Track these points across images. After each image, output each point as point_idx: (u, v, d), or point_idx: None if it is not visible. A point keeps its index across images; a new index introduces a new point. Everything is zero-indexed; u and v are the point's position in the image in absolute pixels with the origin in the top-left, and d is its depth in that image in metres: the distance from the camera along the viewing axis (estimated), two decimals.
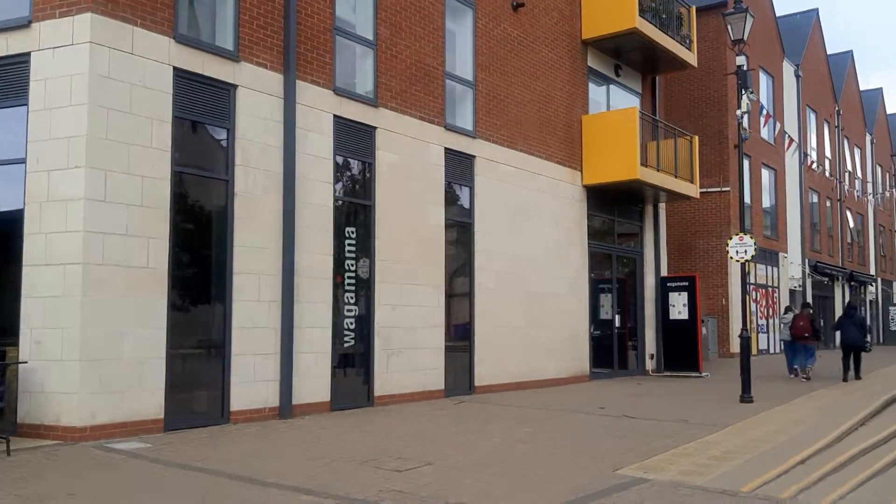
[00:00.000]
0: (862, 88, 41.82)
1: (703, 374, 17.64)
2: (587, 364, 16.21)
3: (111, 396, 8.05)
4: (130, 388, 8.21)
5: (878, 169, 43.35)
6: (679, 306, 18.26)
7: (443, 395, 12.35)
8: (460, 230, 13.26)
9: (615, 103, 17.64)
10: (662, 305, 18.52)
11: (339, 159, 11.01)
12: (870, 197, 38.78)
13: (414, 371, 11.84)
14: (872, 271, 40.96)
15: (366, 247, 11.31)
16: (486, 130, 13.68)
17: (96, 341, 7.93)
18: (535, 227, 14.76)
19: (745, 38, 12.86)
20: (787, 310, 20.54)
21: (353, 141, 11.19)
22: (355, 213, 11.35)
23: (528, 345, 14.41)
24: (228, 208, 9.39)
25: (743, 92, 12.80)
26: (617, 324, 17.63)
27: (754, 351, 25.35)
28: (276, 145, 9.94)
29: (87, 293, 7.89)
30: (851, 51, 38.72)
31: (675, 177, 17.45)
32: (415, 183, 12.07)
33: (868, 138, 41.60)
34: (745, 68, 12.87)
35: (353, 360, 11.25)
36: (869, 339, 17.86)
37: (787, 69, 29.63)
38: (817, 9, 33.37)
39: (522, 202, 14.48)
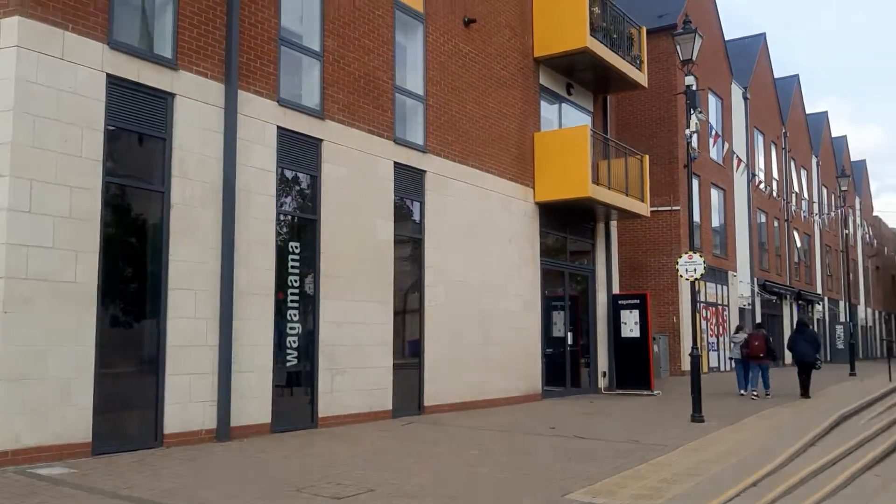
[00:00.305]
0: (808, 112, 42.86)
1: (655, 392, 17.60)
2: (539, 382, 16.03)
3: (36, 418, 7.59)
4: (56, 410, 7.75)
5: (824, 190, 44.37)
6: (631, 324, 18.23)
7: (390, 415, 12.02)
8: (410, 246, 13.01)
9: (567, 121, 17.64)
10: (614, 323, 18.48)
11: (284, 172, 10.70)
12: (816, 217, 39.59)
13: (360, 391, 11.50)
14: (819, 290, 41.76)
15: (310, 262, 10.98)
16: (438, 145, 13.49)
17: (19, 360, 7.48)
18: (487, 244, 14.59)
19: (694, 58, 12.92)
20: (738, 329, 20.43)
21: (299, 153, 10.89)
22: (300, 228, 11.03)
23: (480, 363, 14.18)
24: (164, 221, 9.01)
25: (692, 112, 12.83)
26: (569, 341, 17.52)
27: (705, 369, 25.50)
28: (215, 157, 9.59)
29: (10, 309, 7.44)
30: (798, 75, 39.67)
31: (627, 195, 17.47)
32: (363, 197, 11.80)
33: (814, 160, 42.57)
34: (693, 88, 12.91)
35: (297, 380, 10.88)
36: (820, 356, 18.07)
37: (736, 91, 30.14)
38: (764, 33, 34.15)
39: (475, 218, 14.30)
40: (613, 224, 19.36)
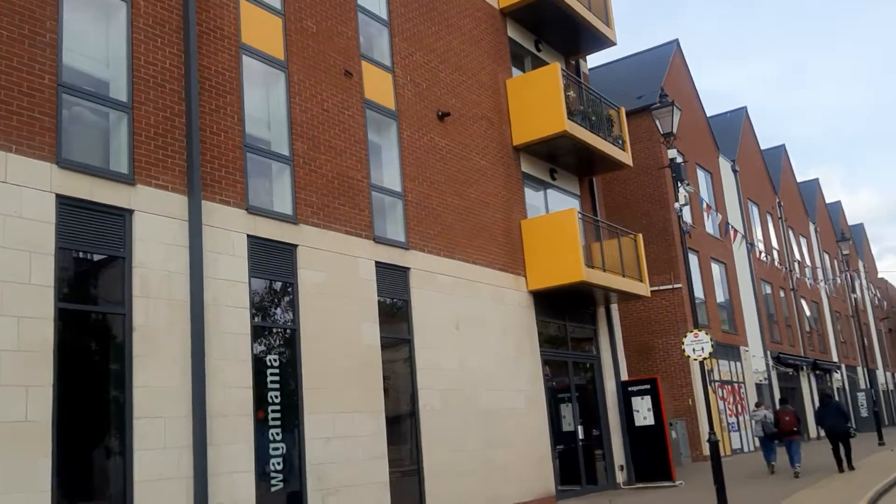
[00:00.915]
0: (799, 180, 42.84)
1: (678, 482, 16.52)
2: (552, 483, 15.00)
3: None
4: None
5: (826, 256, 43.85)
6: (643, 411, 17.32)
7: None
8: (399, 348, 12.35)
9: (554, 206, 17.25)
10: (626, 411, 17.57)
11: (257, 282, 10.17)
12: (822, 283, 38.90)
13: None
14: (835, 358, 40.61)
15: (292, 375, 10.31)
16: (420, 241, 13.03)
17: None
18: (482, 339, 13.92)
19: (675, 131, 12.62)
20: (758, 405, 20.31)
21: (272, 261, 10.39)
22: (278, 339, 10.41)
23: (485, 468, 13.25)
24: (126, 345, 8.39)
25: (679, 184, 12.43)
26: (580, 435, 16.55)
27: (727, 451, 24.28)
28: (181, 272, 9.07)
29: None
30: (784, 144, 39.79)
31: (623, 276, 16.90)
32: (345, 301, 11.23)
33: (812, 227, 42.24)
34: (677, 161, 12.56)
35: None
36: (851, 423, 17.63)
37: (724, 165, 30.05)
38: (745, 106, 34.43)
39: (466, 313, 13.68)
40: (614, 307, 18.71)
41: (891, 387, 53.78)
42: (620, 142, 18.18)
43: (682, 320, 22.98)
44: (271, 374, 10.09)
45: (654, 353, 23.22)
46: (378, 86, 12.89)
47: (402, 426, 12.18)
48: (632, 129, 22.07)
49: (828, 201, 48.62)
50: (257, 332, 10.02)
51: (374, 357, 11.50)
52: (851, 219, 54.20)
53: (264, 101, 11.18)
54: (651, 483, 16.78)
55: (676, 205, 12.46)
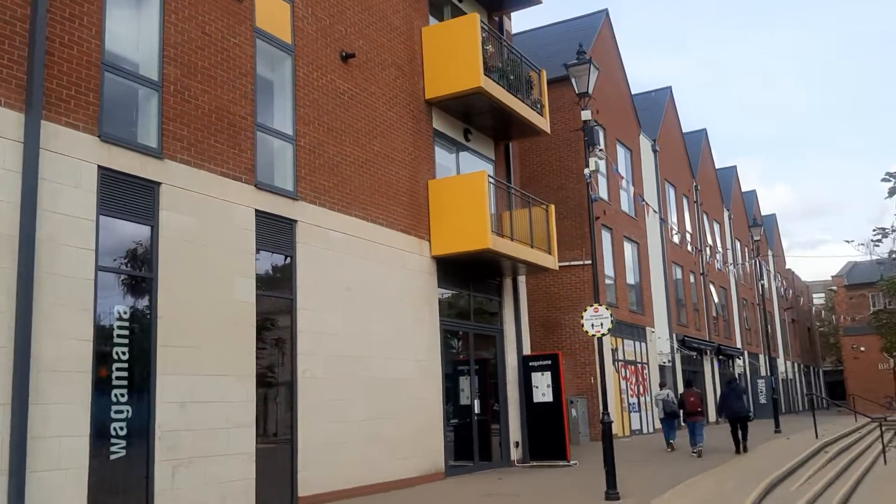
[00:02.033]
0: (717, 167, 43.19)
1: (572, 462, 15.99)
2: (442, 459, 14.20)
3: None
4: None
5: (738, 243, 44.49)
6: (543, 387, 16.69)
7: None
8: (279, 308, 11.22)
9: (466, 170, 16.29)
10: (526, 387, 16.91)
11: (108, 222, 8.85)
12: (731, 269, 39.36)
13: (212, 485, 9.49)
14: (739, 344, 41.35)
15: (145, 330, 9.08)
16: (312, 192, 11.87)
17: None
18: (376, 304, 12.91)
19: (590, 91, 11.79)
20: (662, 386, 20.95)
21: (129, 199, 9.08)
22: (131, 288, 9.14)
23: (369, 442, 12.31)
24: None
25: (590, 148, 11.62)
26: (477, 410, 15.81)
27: (627, 432, 24.10)
28: (10, 201, 7.72)
29: None
30: (705, 129, 39.96)
31: (532, 247, 16.13)
32: (215, 251, 10.01)
33: (726, 214, 42.71)
34: (591, 124, 11.74)
35: (124, 476, 8.80)
36: (751, 409, 19.23)
37: (644, 143, 29.72)
38: (671, 87, 34.21)
39: (360, 275, 12.64)
40: (522, 279, 17.97)
41: (790, 375, 55.51)
42: (539, 106, 17.32)
43: (590, 297, 22.37)
44: (120, 328, 8.84)
45: (560, 330, 22.71)
46: (273, 15, 11.59)
47: (277, 393, 11.10)
48: (554, 99, 21.31)
49: (743, 190, 49.36)
50: (105, 279, 8.73)
51: (247, 315, 10.35)
52: (765, 210, 55.34)
53: (133, 17, 9.77)
54: (546, 461, 16.21)
55: (586, 171, 11.66)
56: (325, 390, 11.54)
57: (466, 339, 16.04)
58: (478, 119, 16.41)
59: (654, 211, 26.70)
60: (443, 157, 15.93)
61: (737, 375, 37.78)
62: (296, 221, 11.46)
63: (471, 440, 15.56)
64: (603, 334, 11.36)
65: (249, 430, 10.12)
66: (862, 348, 44.69)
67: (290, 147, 11.67)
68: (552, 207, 17.23)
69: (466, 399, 15.87)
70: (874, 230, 16.40)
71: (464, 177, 15.17)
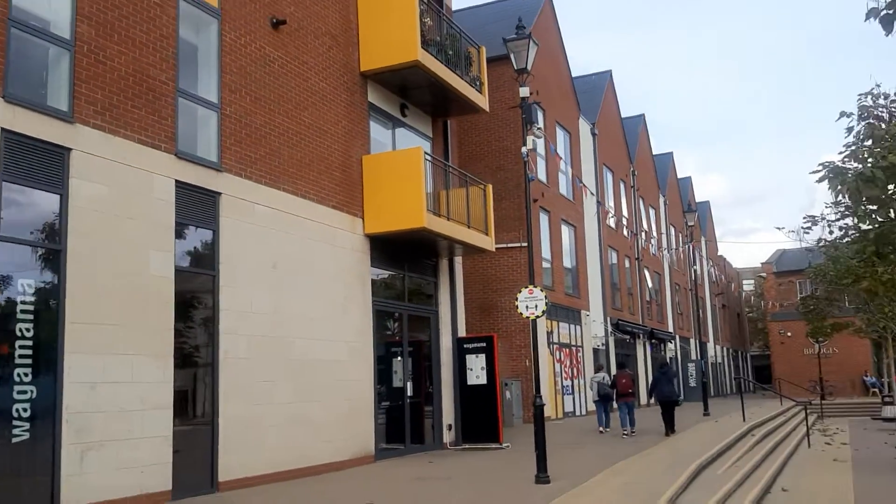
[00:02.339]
0: (654, 153, 43.68)
1: (504, 445, 15.86)
2: (373, 442, 13.88)
3: None
4: None
5: (672, 229, 45.18)
6: (477, 370, 16.50)
7: (170, 496, 9.52)
8: (200, 284, 10.68)
9: (402, 146, 15.90)
10: (460, 369, 16.70)
11: (11, 188, 8.21)
12: (664, 253, 39.91)
13: (124, 469, 8.97)
14: (671, 329, 42.08)
15: (52, 305, 8.48)
16: (237, 164, 11.33)
17: None
18: (305, 282, 12.46)
19: (529, 67, 11.51)
20: (599, 368, 21.29)
21: (35, 164, 8.44)
22: (36, 260, 8.52)
23: (295, 425, 11.90)
24: None
25: (528, 126, 11.37)
26: (410, 392, 15.53)
27: (560, 414, 24.18)
28: None
29: None
30: (643, 114, 40.31)
31: (469, 227, 15.86)
32: (131, 222, 9.42)
33: (661, 199, 43.28)
34: (529, 101, 11.48)
35: (28, 461, 8.24)
36: (680, 394, 20.21)
37: (584, 126, 29.74)
38: (610, 70, 34.30)
39: (288, 251, 12.16)
40: (458, 260, 17.71)
41: (719, 360, 56.92)
42: (478, 84, 17.01)
43: (527, 280, 22.37)
44: (24, 302, 8.23)
45: (496, 312, 22.58)
46: None
47: (198, 374, 10.59)
48: (494, 78, 21.05)
49: (679, 177, 50.12)
50: (7, 250, 8.11)
51: (165, 292, 9.80)
52: (699, 197, 56.35)
53: None
54: (479, 444, 16.06)
55: (524, 149, 11.40)
56: (248, 371, 11.07)
57: (400, 320, 15.72)
58: (415, 94, 16.01)
59: (592, 193, 26.76)
60: (378, 132, 15.50)
61: (668, 360, 38.46)
62: (220, 194, 10.92)
63: (403, 423, 15.29)
64: (537, 316, 11.17)
65: (166, 412, 9.61)
66: (789, 333, 46.04)
67: (215, 116, 11.10)
68: (490, 187, 16.99)
69: (399, 381, 15.58)
70: (804, 218, 16.68)
71: (399, 153, 14.78)
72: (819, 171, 13.60)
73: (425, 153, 14.62)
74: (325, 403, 12.64)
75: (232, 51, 11.44)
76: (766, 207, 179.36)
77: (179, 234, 10.22)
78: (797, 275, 46.29)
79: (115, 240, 9.19)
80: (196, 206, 10.53)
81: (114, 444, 8.87)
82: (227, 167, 11.11)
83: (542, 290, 11.15)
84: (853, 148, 13.85)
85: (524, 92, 11.38)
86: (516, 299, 11.24)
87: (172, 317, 9.86)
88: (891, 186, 11.13)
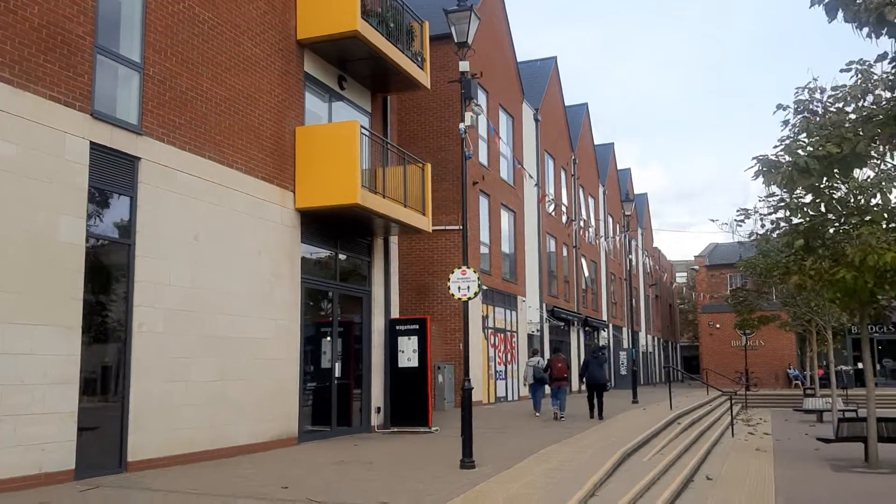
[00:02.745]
0: (595, 143, 43.91)
1: (433, 428, 15.63)
2: (296, 424, 13.46)
3: None
4: None
5: (610, 219, 45.61)
6: (409, 352, 16.20)
7: (72, 476, 8.98)
8: (114, 253, 10.09)
9: (340, 120, 15.39)
10: (391, 352, 16.38)
11: None
12: (601, 241, 40.24)
13: (20, 447, 8.40)
14: (605, 317, 42.55)
15: None
16: (160, 128, 10.72)
17: None
18: (229, 256, 11.94)
19: (470, 41, 11.18)
20: (534, 353, 21.67)
21: None
22: None
23: (214, 404, 11.42)
24: None
25: (467, 102, 11.05)
26: (338, 373, 15.14)
27: (492, 399, 24.11)
28: None
29: None
30: (587, 103, 40.42)
31: (405, 206, 15.50)
32: (38, 184, 8.79)
33: (601, 189, 43.59)
34: (469, 76, 11.15)
35: None
36: (609, 378, 21.69)
37: (527, 112, 29.60)
38: (555, 57, 34.18)
39: (212, 223, 11.61)
40: (394, 240, 17.35)
41: (650, 349, 57.98)
42: (420, 59, 16.60)
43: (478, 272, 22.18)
44: None
45: (432, 295, 22.31)
46: None
47: (109, 348, 10.02)
48: (437, 57, 20.70)
49: (619, 168, 50.59)
50: None
51: (73, 260, 9.19)
52: (638, 190, 57.02)
53: None
54: (407, 427, 15.78)
55: (461, 125, 11.09)
56: (164, 347, 10.54)
57: (331, 299, 15.28)
58: (354, 67, 15.53)
59: (531, 177, 26.63)
60: (315, 104, 14.99)
61: (601, 346, 38.92)
62: (139, 159, 10.31)
63: (330, 405, 14.90)
64: (469, 298, 10.92)
65: (71, 387, 9.04)
66: (717, 325, 47.05)
67: (137, 76, 10.47)
68: (428, 166, 16.64)
69: (328, 362, 15.17)
70: (737, 211, 16.78)
71: (335, 125, 14.30)
72: (753, 166, 13.65)
73: (362, 127, 14.18)
74: (248, 382, 12.17)
75: (158, 8, 10.80)
76: (702, 203, 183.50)
77: (93, 200, 9.61)
78: (728, 268, 47.26)
79: (20, 202, 8.56)
80: (113, 171, 9.92)
81: (11, 419, 8.30)
82: (149, 131, 10.51)
83: (475, 272, 10.89)
84: (788, 141, 13.91)
85: (464, 66, 11.05)
86: (449, 280, 10.94)
87: (82, 286, 9.27)
88: (825, 178, 11.18)
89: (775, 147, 13.73)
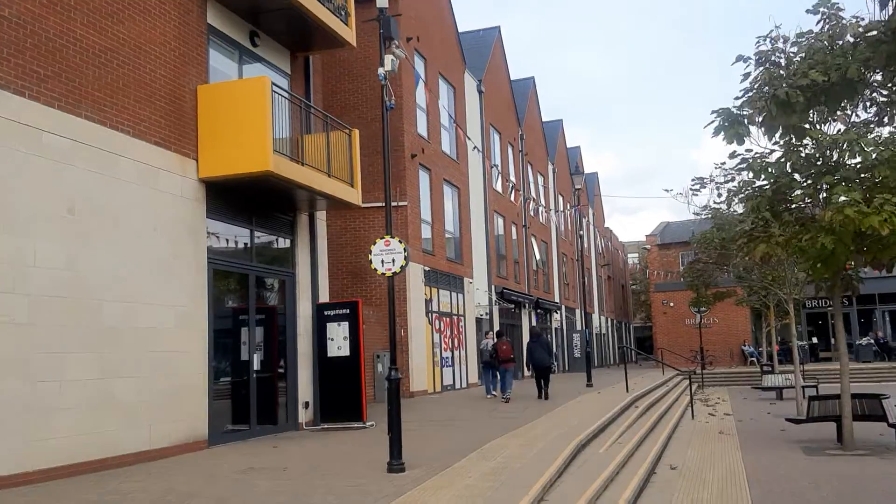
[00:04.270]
0: (543, 120, 42.61)
1: (368, 423, 14.07)
2: (205, 425, 11.73)
3: None
4: None
5: (560, 198, 44.40)
6: (339, 340, 14.58)
7: None
8: None
9: None
10: (320, 340, 14.74)
11: None
12: (552, 214, 38.91)
13: None
14: (557, 299, 41.38)
15: None
16: (19, 79, 8.88)
17: None
18: (115, 233, 10.16)
19: None
20: (487, 334, 21.82)
21: None
22: None
23: (99, 406, 9.66)
24: None
25: (387, 45, 9.44)
26: (256, 366, 13.44)
27: (437, 387, 22.64)
28: None
29: None
30: (533, 77, 39.02)
31: (329, 176, 13.84)
32: None
33: (550, 167, 42.31)
34: (388, 13, 9.53)
35: None
36: (554, 361, 21.61)
37: (469, 83, 28.03)
38: (499, 26, 32.64)
39: (92, 194, 9.82)
40: (321, 216, 15.67)
41: (604, 330, 57.18)
42: (344, 13, 14.90)
43: (403, 242, 20.53)
44: None
45: (369, 278, 20.66)
46: None
47: None
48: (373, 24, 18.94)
49: (569, 146, 49.39)
50: None
51: None
52: (588, 169, 56.01)
53: None
54: (339, 423, 14.20)
55: (381, 70, 9.48)
56: (30, 341, 8.75)
57: (246, 283, 13.55)
58: (268, 21, 13.77)
59: (476, 148, 25.08)
60: (223, 63, 13.22)
61: (553, 329, 37.79)
62: None
63: (248, 401, 13.21)
64: (394, 273, 9.38)
65: None
66: (671, 304, 46.32)
67: None
68: (356, 133, 14.98)
69: (245, 354, 13.47)
70: (693, 180, 15.61)
71: (242, 82, 12.53)
72: (713, 121, 12.34)
73: (275, 85, 12.48)
74: (141, 380, 10.42)
75: None
76: (653, 186, 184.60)
77: None
78: (680, 247, 46.54)
79: None
80: None
81: None
82: (5, 83, 8.66)
83: (400, 242, 9.33)
84: (750, 94, 12.59)
85: (381, 2, 9.41)
86: (370, 253, 9.35)
87: None
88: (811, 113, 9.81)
89: (737, 98, 12.49)
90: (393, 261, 9.21)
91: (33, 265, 8.89)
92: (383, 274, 9.28)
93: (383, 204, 20.18)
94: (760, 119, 9.58)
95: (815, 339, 43.16)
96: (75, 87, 9.73)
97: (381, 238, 9.41)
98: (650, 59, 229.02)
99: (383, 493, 7.47)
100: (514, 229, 33.51)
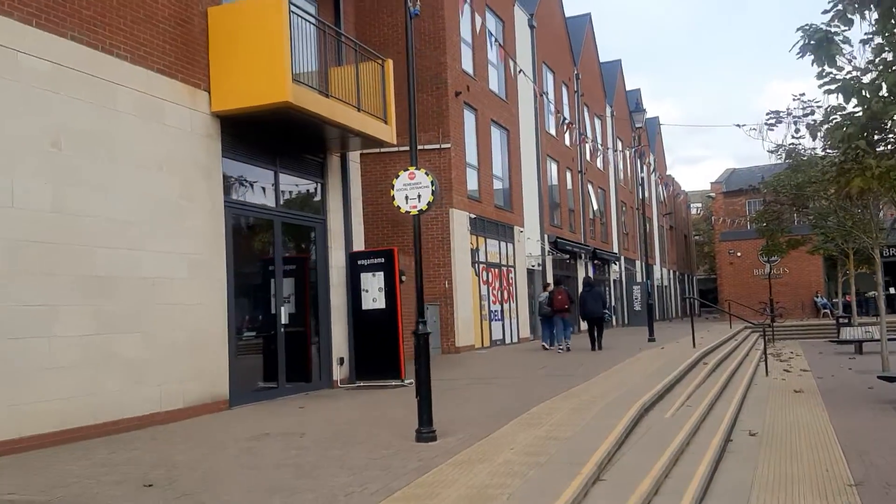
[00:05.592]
0: (601, 60, 40.29)
1: (406, 381, 12.87)
2: (225, 383, 10.67)
3: None
4: None
5: (619, 143, 42.22)
6: (374, 291, 13.36)
7: None
8: None
9: None
10: (354, 291, 13.54)
11: None
12: (610, 154, 36.76)
13: None
14: (615, 249, 39.55)
15: None
16: None
17: None
18: (113, 171, 9.02)
19: None
20: (546, 287, 21.42)
21: None
22: None
23: (97, 363, 8.64)
24: None
25: None
26: (284, 319, 12.32)
27: (486, 342, 21.37)
28: None
29: None
30: (590, 14, 36.64)
31: (359, 111, 12.46)
32: None
33: (608, 110, 40.12)
34: None
35: None
36: (608, 311, 21.92)
37: (520, 17, 26.12)
38: None
39: (82, 127, 8.67)
40: (354, 158, 14.37)
41: (665, 283, 55.03)
42: None
43: (447, 188, 19.17)
44: None
45: (409, 227, 19.31)
46: None
47: None
48: None
49: (628, 89, 46.92)
50: None
51: None
52: (650, 114, 53.31)
53: None
54: (376, 381, 13.05)
55: None
56: (8, 292, 7.70)
57: (271, 229, 12.37)
58: None
59: (529, 79, 23.22)
60: None
61: (608, 280, 36.16)
62: None
63: (276, 358, 12.13)
64: (421, 210, 7.98)
65: None
66: (738, 254, 43.96)
67: None
68: (389, 63, 13.50)
69: (273, 307, 12.36)
70: (767, 114, 13.88)
71: (256, 2, 11.05)
72: (799, 41, 10.61)
73: (298, 7, 11.09)
74: (148, 336, 9.36)
75: None
76: (715, 138, 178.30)
77: None
78: (747, 195, 43.94)
79: None
80: None
81: None
82: None
83: (427, 175, 7.90)
84: (840, 6, 10.74)
85: None
86: (392, 188, 7.97)
87: None
88: None
89: (824, 12, 10.64)
90: (419, 196, 7.80)
91: (10, 205, 7.79)
92: (408, 212, 7.88)
93: (426, 146, 18.82)
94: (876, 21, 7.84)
95: (892, 290, 40.43)
96: (58, 3, 8.51)
97: (405, 170, 7.97)
98: (716, 5, 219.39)
99: (405, 470, 6.22)
100: (569, 175, 31.72)
